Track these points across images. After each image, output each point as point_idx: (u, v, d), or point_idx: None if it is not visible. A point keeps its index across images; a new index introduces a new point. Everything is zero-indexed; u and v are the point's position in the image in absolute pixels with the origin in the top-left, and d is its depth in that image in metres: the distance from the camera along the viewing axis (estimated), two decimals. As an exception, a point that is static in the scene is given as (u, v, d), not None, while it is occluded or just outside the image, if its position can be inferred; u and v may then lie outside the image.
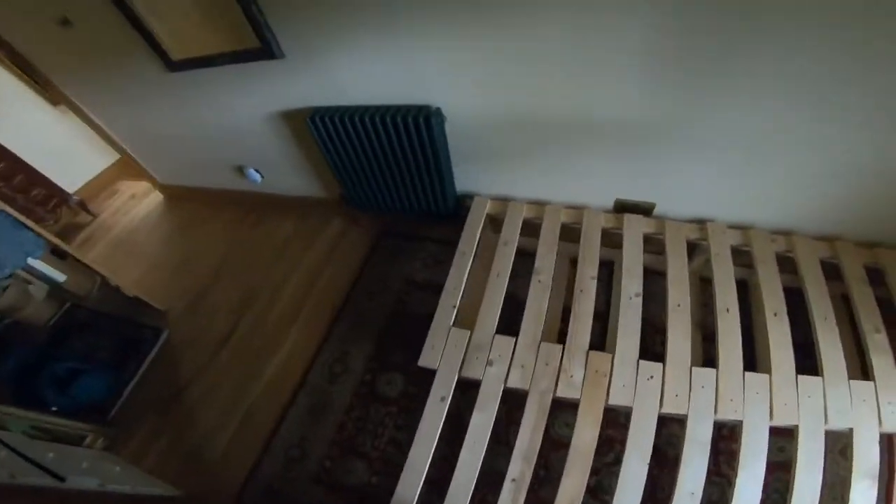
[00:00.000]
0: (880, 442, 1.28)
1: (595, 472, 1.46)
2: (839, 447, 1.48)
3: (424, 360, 1.56)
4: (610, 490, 1.44)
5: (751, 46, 1.25)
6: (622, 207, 1.89)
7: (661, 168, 1.71)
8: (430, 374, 1.56)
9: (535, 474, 1.35)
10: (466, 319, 1.69)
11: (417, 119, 1.73)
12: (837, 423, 1.31)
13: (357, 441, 1.77)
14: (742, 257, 1.72)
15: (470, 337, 1.58)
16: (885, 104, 1.27)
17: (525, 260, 1.78)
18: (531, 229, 1.89)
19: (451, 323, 1.63)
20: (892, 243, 1.67)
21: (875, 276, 1.62)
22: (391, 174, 2.01)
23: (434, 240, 2.30)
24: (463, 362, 1.53)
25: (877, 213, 1.61)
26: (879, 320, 1.49)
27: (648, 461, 1.28)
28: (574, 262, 1.88)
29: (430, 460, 1.35)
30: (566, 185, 1.90)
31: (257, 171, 2.47)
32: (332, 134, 1.92)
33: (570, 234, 1.85)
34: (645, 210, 1.87)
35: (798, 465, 1.25)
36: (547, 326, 1.68)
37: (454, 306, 1.67)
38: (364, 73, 1.74)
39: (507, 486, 1.29)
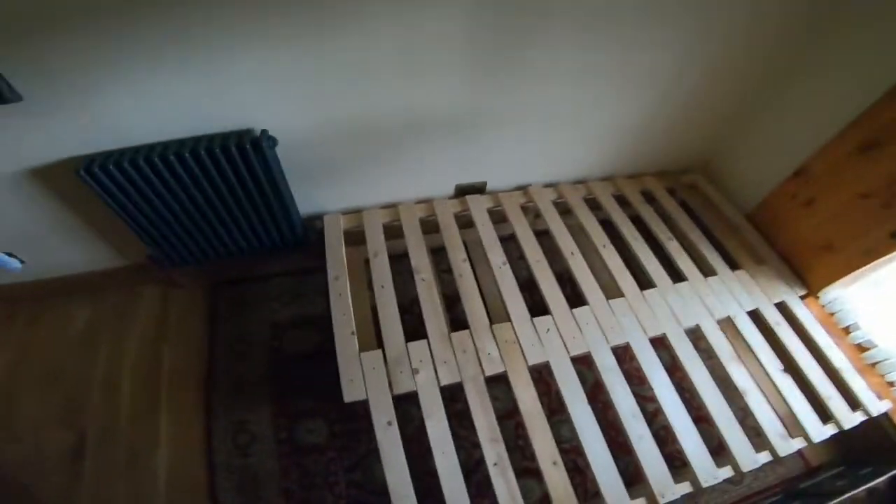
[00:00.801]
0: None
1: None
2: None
3: (350, 395, 1.45)
4: (567, 438, 1.62)
5: (541, 44, 1.52)
6: (462, 191, 2.04)
7: (486, 148, 1.90)
8: (351, 407, 1.47)
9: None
10: (366, 341, 1.63)
11: (242, 146, 1.51)
12: (688, 323, 1.73)
13: (313, 499, 1.59)
14: (559, 207, 2.07)
15: (384, 355, 1.53)
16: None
17: (392, 262, 1.78)
18: (390, 232, 1.89)
19: (357, 349, 1.54)
20: (650, 172, 2.24)
21: (648, 198, 2.15)
22: (219, 216, 1.72)
23: (282, 274, 2.09)
24: (390, 382, 1.48)
25: (635, 154, 2.13)
26: (667, 230, 2.01)
27: (587, 401, 1.49)
28: (432, 251, 1.97)
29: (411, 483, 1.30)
30: (411, 182, 1.95)
31: (12, 255, 1.80)
32: (123, 184, 1.53)
33: (425, 226, 1.92)
34: (480, 189, 2.07)
35: (684, 364, 1.62)
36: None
37: (353, 332, 1.58)
38: (155, 103, 1.43)
39: (493, 471, 1.34)
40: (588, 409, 1.48)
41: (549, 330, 1.64)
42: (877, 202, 1.66)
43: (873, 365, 1.79)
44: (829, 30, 1.71)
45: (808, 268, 1.95)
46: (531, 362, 1.56)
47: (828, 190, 1.83)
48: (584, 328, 1.66)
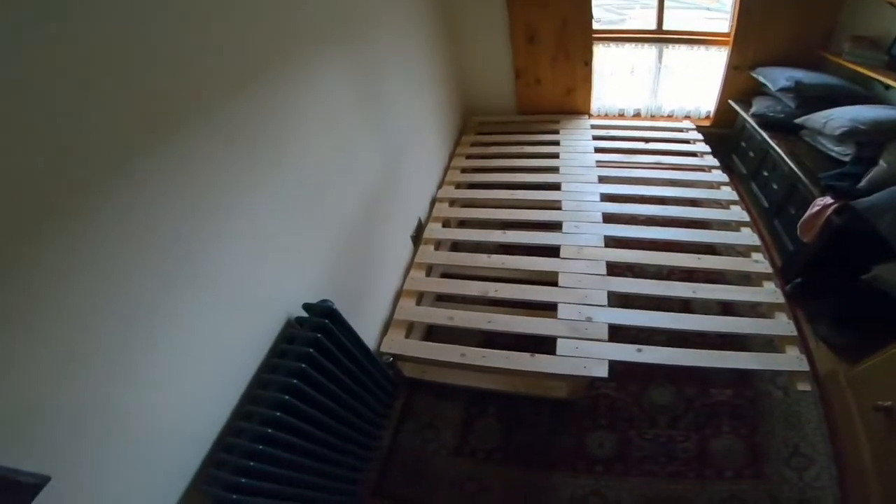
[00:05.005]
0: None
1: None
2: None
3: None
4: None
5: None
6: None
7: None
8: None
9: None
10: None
11: (321, 329, 1.23)
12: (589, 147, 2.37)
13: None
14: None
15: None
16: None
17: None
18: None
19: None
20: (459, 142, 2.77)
21: (477, 143, 2.68)
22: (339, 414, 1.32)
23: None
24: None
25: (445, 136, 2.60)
26: (513, 143, 2.59)
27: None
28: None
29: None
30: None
31: None
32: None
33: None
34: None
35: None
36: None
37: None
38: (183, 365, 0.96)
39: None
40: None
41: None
42: (563, 60, 2.67)
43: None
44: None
45: (574, 106, 2.88)
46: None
47: (538, 69, 2.75)
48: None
